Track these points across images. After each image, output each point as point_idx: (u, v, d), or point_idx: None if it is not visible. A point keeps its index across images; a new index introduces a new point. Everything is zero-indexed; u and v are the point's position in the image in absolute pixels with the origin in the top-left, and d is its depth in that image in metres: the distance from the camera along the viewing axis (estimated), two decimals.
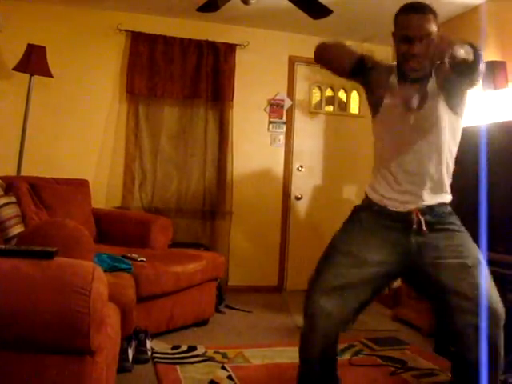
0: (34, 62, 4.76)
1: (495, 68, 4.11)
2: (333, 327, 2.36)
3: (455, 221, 2.36)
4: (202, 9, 4.24)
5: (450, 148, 2.36)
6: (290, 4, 3.97)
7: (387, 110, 2.37)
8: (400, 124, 2.34)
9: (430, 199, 2.33)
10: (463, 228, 2.35)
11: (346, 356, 3.60)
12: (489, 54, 4.40)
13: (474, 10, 4.70)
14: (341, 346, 3.76)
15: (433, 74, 2.30)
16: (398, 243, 2.33)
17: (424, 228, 2.28)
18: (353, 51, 2.41)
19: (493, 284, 2.27)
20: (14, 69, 4.76)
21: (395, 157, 2.37)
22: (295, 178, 5.85)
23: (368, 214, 2.44)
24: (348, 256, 2.36)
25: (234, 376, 3.13)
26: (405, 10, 2.28)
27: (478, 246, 2.34)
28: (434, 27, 2.21)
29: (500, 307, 2.21)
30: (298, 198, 5.84)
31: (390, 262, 2.35)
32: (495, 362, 2.19)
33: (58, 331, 1.61)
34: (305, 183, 5.86)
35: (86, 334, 1.61)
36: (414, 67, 2.27)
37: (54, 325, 1.61)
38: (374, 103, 2.46)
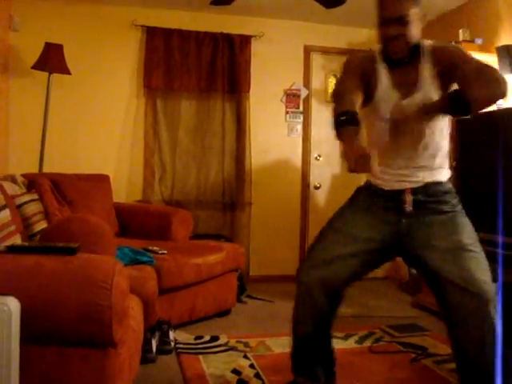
0: (51, 60, 4.82)
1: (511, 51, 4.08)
2: (320, 295, 2.41)
3: (451, 199, 2.35)
4: (216, 2, 4.27)
5: (441, 127, 2.37)
6: None
7: (384, 95, 2.36)
8: (392, 110, 2.34)
9: (423, 178, 2.34)
10: (459, 207, 2.35)
11: (367, 343, 3.63)
12: (504, 38, 4.37)
13: None
14: (361, 334, 3.82)
15: (424, 57, 2.31)
16: (388, 222, 2.37)
17: (410, 208, 2.31)
18: (342, 105, 2.31)
19: (485, 264, 2.24)
20: (32, 67, 4.83)
21: (387, 141, 2.38)
22: (313, 168, 5.87)
23: (366, 194, 2.51)
24: (339, 232, 2.45)
25: (255, 365, 3.18)
26: None
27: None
28: (412, 8, 2.21)
29: (489, 289, 2.17)
30: (316, 188, 5.86)
31: (379, 239, 2.39)
32: (490, 339, 2.16)
33: (81, 324, 1.67)
34: (323, 172, 5.87)
35: (108, 326, 1.67)
36: (395, 50, 2.28)
37: (77, 318, 1.66)
38: (366, 93, 2.42)
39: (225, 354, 3.36)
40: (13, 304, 1.56)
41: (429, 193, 2.33)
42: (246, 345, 3.54)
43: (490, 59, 4.19)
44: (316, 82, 5.87)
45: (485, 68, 2.15)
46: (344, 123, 2.17)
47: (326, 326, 2.56)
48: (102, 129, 5.36)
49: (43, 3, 5.17)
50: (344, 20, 5.60)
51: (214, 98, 5.50)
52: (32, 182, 3.87)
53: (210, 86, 5.48)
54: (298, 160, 5.81)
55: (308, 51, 5.82)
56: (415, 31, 2.26)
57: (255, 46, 5.59)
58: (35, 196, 3.71)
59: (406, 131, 2.32)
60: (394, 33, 2.22)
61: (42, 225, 3.46)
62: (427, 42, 2.35)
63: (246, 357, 3.31)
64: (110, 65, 5.38)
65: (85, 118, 5.31)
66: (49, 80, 4.90)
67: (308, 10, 4.69)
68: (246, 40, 5.54)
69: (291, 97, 5.75)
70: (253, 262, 5.55)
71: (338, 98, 2.37)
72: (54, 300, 1.67)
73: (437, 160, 2.37)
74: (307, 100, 5.82)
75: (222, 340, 3.61)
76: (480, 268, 2.21)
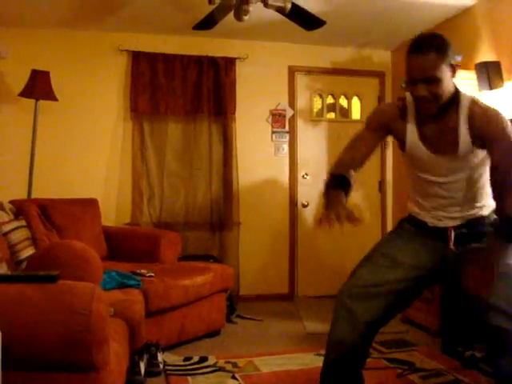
0: (38, 86, 4.87)
1: (490, 68, 4.15)
2: (357, 324, 2.33)
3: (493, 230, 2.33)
4: (198, 27, 4.35)
5: (479, 171, 2.37)
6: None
7: (412, 150, 2.38)
8: (428, 164, 2.37)
9: (464, 216, 2.35)
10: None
11: None
12: (483, 55, 4.45)
13: (466, 11, 4.75)
14: None
15: (461, 116, 2.27)
16: (435, 249, 2.38)
17: (453, 245, 2.33)
18: (338, 165, 2.43)
19: None
20: (19, 94, 4.88)
21: (426, 188, 2.43)
22: (301, 186, 5.93)
23: (411, 224, 2.51)
24: (385, 257, 2.42)
25: None
26: (410, 49, 2.22)
27: None
28: (439, 66, 2.15)
29: None
30: (304, 206, 5.91)
31: (425, 266, 2.39)
32: None
33: (61, 350, 1.70)
34: (310, 190, 5.92)
35: (88, 351, 1.70)
36: (425, 108, 2.27)
37: (57, 344, 1.70)
38: (399, 142, 2.48)
39: (213, 375, 3.38)
40: None
41: (472, 227, 2.35)
42: (235, 365, 3.56)
43: (470, 76, 4.29)
44: (301, 102, 5.95)
45: None
46: (330, 186, 2.29)
47: (359, 357, 2.48)
48: (89, 153, 5.41)
49: (29, 30, 5.23)
50: (327, 40, 5.69)
51: (200, 120, 5.56)
52: (20, 209, 3.91)
53: (196, 109, 5.54)
54: (285, 179, 5.87)
55: (292, 71, 5.90)
56: (446, 87, 2.22)
57: (240, 68, 5.66)
58: (23, 222, 3.75)
59: (443, 184, 2.36)
60: (423, 93, 2.19)
61: (29, 251, 3.50)
62: (466, 99, 2.30)
63: (234, 377, 3.33)
64: (96, 89, 5.44)
65: (72, 143, 5.36)
66: (36, 106, 4.95)
67: (291, 32, 4.76)
68: (230, 62, 5.61)
69: (277, 117, 5.82)
70: (242, 282, 5.58)
71: (343, 154, 2.46)
72: (35, 327, 1.71)
73: (478, 197, 2.37)
74: (293, 119, 5.88)
75: (211, 361, 3.63)
76: None
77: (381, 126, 2.46)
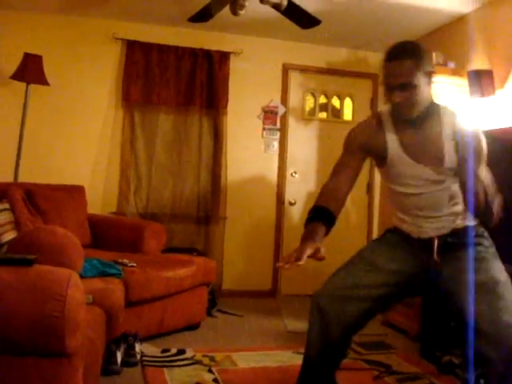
0: (30, 70, 4.85)
1: (482, 76, 4.17)
2: (330, 326, 2.34)
3: (482, 242, 2.30)
4: (194, 19, 4.33)
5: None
6: None
7: (394, 159, 2.35)
8: (408, 174, 2.34)
9: (449, 225, 2.31)
10: (492, 249, 2.30)
11: None
12: (476, 63, 4.47)
13: (460, 19, 4.78)
14: None
15: (444, 127, 2.25)
16: (418, 259, 2.34)
17: (436, 257, 2.29)
18: (321, 197, 2.39)
19: None
20: (11, 77, 4.85)
21: (404, 201, 2.40)
22: (289, 184, 5.93)
23: (395, 234, 2.49)
24: (364, 261, 2.41)
25: (219, 379, 3.19)
26: (386, 57, 2.23)
27: None
28: (415, 73, 2.16)
29: None
30: (291, 204, 5.91)
31: (405, 273, 2.35)
32: None
33: (34, 334, 1.69)
34: (298, 189, 5.93)
35: (61, 337, 1.69)
36: (402, 114, 2.27)
37: (30, 328, 1.68)
38: (379, 158, 2.43)
39: (190, 368, 3.38)
40: None
41: (458, 237, 2.30)
42: (212, 359, 3.55)
43: (462, 83, 4.31)
44: (294, 100, 5.95)
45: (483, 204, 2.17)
46: (310, 219, 2.27)
47: (334, 359, 2.47)
48: (78, 140, 5.38)
49: (24, 13, 5.20)
50: (323, 40, 5.69)
51: (191, 113, 5.55)
52: (4, 192, 3.89)
53: (188, 101, 5.53)
54: (273, 176, 5.87)
55: (286, 69, 5.90)
56: (422, 94, 2.21)
57: (234, 63, 5.66)
58: (6, 206, 3.73)
59: (424, 194, 2.32)
60: (399, 99, 2.19)
61: (11, 235, 3.49)
62: (449, 112, 2.30)
63: (210, 371, 3.33)
64: (88, 77, 5.41)
65: (62, 129, 5.33)
66: (27, 90, 4.93)
67: (287, 29, 4.76)
68: (225, 56, 5.61)
69: (269, 114, 5.82)
70: (226, 277, 5.58)
71: (328, 181, 2.42)
72: (8, 310, 1.69)
73: (461, 207, 2.31)
74: (284, 117, 5.88)
75: (189, 354, 3.62)
76: (510, 309, 2.09)
77: (360, 148, 2.41)
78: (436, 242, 2.31)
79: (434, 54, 4.60)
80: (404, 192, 2.38)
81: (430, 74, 2.23)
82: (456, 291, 2.22)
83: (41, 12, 5.23)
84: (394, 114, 2.35)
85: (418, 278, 2.37)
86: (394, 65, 2.18)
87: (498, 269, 2.21)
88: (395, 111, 2.30)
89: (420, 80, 2.18)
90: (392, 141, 2.34)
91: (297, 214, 5.92)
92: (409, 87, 2.17)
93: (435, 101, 2.34)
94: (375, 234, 5.92)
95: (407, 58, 2.16)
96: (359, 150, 2.41)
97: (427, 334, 3.90)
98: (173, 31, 5.56)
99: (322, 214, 2.28)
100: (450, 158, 2.23)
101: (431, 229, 2.34)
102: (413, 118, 2.27)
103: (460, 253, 2.26)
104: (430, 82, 2.24)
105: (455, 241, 2.30)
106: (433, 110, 2.28)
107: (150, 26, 5.51)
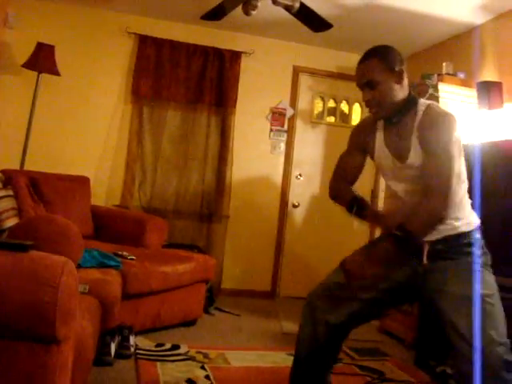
0: (42, 60, 4.88)
1: (491, 88, 4.16)
2: (319, 326, 2.35)
3: (474, 251, 2.23)
4: (207, 17, 4.35)
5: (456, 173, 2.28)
6: None
7: (380, 154, 2.39)
8: (390, 170, 2.37)
9: (440, 231, 2.24)
10: (483, 259, 2.24)
11: None
12: (485, 74, 4.47)
13: (472, 30, 4.77)
14: None
15: (416, 121, 2.24)
16: (408, 264, 2.32)
17: (426, 261, 2.27)
18: (344, 194, 2.49)
19: (499, 320, 2.12)
20: (22, 65, 4.89)
21: (396, 198, 2.40)
22: (293, 186, 5.93)
23: (388, 238, 2.43)
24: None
25: (211, 376, 3.20)
26: (359, 61, 2.31)
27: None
28: (378, 70, 2.21)
29: (498, 350, 2.04)
30: (295, 206, 5.92)
31: (395, 280, 2.34)
32: None
33: (25, 319, 1.70)
34: (303, 192, 5.93)
35: (51, 324, 1.70)
36: (373, 112, 2.32)
37: (22, 313, 1.69)
38: (370, 154, 2.49)
39: (183, 363, 3.39)
40: None
41: (449, 244, 2.25)
42: (206, 356, 3.56)
43: (470, 93, 4.30)
44: (302, 103, 5.96)
45: (435, 181, 2.15)
46: (357, 211, 2.40)
47: (323, 359, 2.46)
48: (86, 131, 5.41)
49: (39, 2, 5.24)
50: (334, 44, 5.70)
51: (200, 110, 5.56)
52: (9, 179, 3.91)
53: (197, 98, 5.55)
54: (278, 177, 5.87)
55: (296, 72, 5.91)
56: (389, 92, 2.24)
57: (245, 63, 5.67)
58: (10, 192, 3.75)
59: (410, 190, 2.31)
60: (366, 98, 2.27)
61: (13, 221, 3.50)
62: (423, 104, 2.28)
63: (203, 368, 3.33)
64: (99, 69, 5.45)
65: (70, 120, 5.36)
66: (38, 79, 4.95)
67: (299, 32, 4.77)
68: (236, 56, 5.62)
69: (277, 115, 5.82)
70: (225, 275, 5.59)
71: (338, 177, 2.53)
72: (0, 293, 1.71)
73: (452, 209, 2.18)
74: (292, 119, 5.89)
75: (183, 349, 3.64)
76: (493, 324, 2.09)
77: (358, 146, 2.48)
78: (426, 247, 2.28)
79: (444, 64, 4.60)
80: (394, 189, 2.39)
81: (398, 73, 2.25)
82: (440, 304, 2.21)
83: (56, 2, 5.26)
84: None
85: (409, 284, 2.36)
86: (361, 66, 2.27)
87: (485, 282, 2.17)
88: (369, 110, 2.35)
89: (385, 77, 2.22)
90: (379, 137, 2.39)
91: (300, 216, 5.92)
92: (375, 84, 2.22)
93: (413, 97, 2.33)
94: None
95: (371, 57, 2.24)
96: (358, 147, 2.49)
97: (423, 343, 3.90)
98: (185, 28, 5.58)
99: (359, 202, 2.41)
100: (414, 154, 2.23)
101: None
102: (390, 115, 2.31)
103: (448, 262, 2.24)
104: (400, 81, 2.26)
105: (445, 248, 2.26)
106: (410, 105, 2.29)
107: (163, 21, 5.53)
